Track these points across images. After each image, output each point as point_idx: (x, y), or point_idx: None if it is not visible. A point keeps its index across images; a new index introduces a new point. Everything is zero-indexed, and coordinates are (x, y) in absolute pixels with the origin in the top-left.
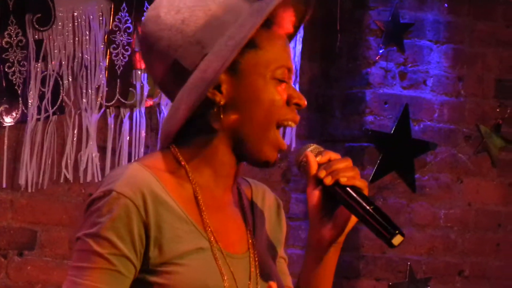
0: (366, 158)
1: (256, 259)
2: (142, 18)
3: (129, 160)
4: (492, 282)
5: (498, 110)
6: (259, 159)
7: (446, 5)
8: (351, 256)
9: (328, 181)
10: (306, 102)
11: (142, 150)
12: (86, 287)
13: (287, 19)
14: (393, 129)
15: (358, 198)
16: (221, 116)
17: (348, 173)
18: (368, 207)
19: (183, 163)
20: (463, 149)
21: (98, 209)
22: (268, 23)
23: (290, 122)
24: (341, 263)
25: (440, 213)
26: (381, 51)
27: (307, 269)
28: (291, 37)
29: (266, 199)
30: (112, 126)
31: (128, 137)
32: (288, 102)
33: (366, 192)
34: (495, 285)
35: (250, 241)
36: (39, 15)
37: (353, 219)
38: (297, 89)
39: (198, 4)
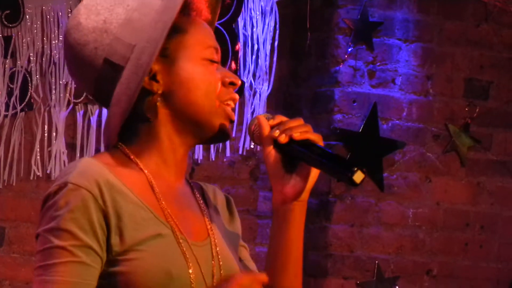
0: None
1: (217, 246)
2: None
3: None
4: (460, 281)
5: (467, 109)
6: (211, 134)
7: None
8: (319, 255)
9: (283, 138)
10: (240, 81)
11: None
12: (55, 284)
13: (203, 7)
14: (362, 127)
15: (314, 148)
16: (162, 104)
17: (301, 129)
18: (325, 154)
19: (132, 156)
20: (432, 148)
21: (55, 203)
22: (187, 10)
23: (229, 102)
24: (309, 262)
25: (408, 212)
26: (350, 50)
27: (276, 235)
28: (211, 24)
29: (217, 195)
30: (81, 123)
31: (96, 134)
32: (223, 83)
33: (321, 144)
34: (463, 284)
35: (208, 227)
36: (7, 11)
37: (314, 174)
38: (268, 88)
39: (115, 3)
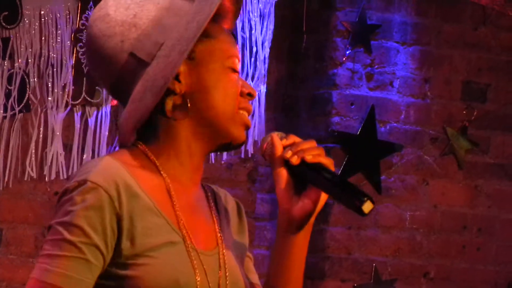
0: (332, 159)
1: (225, 256)
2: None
3: (94, 158)
4: (457, 284)
5: (464, 112)
6: (228, 140)
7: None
8: (317, 257)
9: (294, 160)
10: (256, 93)
11: (105, 148)
12: (56, 275)
13: (229, 16)
14: (359, 130)
15: (325, 173)
16: (182, 105)
17: (313, 152)
18: (335, 180)
19: (152, 157)
20: (429, 151)
21: (72, 198)
22: (216, 17)
23: (244, 112)
24: (306, 264)
25: (405, 214)
26: (348, 52)
27: (279, 255)
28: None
29: (228, 201)
30: (78, 124)
31: (93, 136)
32: (241, 93)
33: (332, 169)
34: (460, 287)
35: (218, 236)
36: (6, 13)
37: (323, 198)
38: (265, 89)
39: None
